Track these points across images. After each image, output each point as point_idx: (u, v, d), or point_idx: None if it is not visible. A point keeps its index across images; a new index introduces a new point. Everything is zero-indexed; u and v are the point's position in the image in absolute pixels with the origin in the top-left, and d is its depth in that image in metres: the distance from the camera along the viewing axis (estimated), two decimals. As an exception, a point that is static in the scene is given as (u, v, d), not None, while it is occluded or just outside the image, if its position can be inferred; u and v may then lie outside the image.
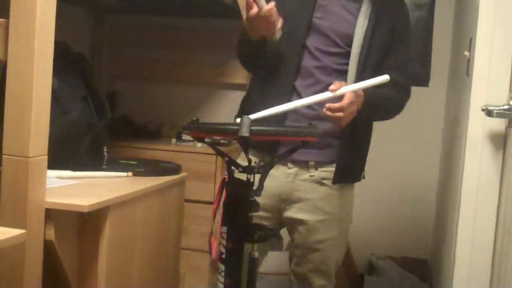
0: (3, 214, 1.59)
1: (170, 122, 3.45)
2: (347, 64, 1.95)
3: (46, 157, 1.64)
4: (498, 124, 2.03)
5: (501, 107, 1.94)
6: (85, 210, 1.69)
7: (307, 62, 1.97)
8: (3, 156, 1.58)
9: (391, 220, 3.61)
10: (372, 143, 3.57)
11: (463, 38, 2.65)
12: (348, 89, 1.82)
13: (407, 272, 3.39)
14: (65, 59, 2.15)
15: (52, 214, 1.67)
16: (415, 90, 3.48)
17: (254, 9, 1.80)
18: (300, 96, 1.93)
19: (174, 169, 2.41)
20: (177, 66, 3.50)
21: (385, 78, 1.84)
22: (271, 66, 1.98)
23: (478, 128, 2.07)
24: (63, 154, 2.01)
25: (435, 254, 3.31)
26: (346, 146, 2.00)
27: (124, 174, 2.21)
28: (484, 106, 1.98)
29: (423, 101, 3.49)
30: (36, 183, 1.60)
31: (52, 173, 1.92)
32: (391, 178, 3.59)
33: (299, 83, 1.97)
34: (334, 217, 2.03)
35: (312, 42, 1.97)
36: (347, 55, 1.96)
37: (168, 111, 3.52)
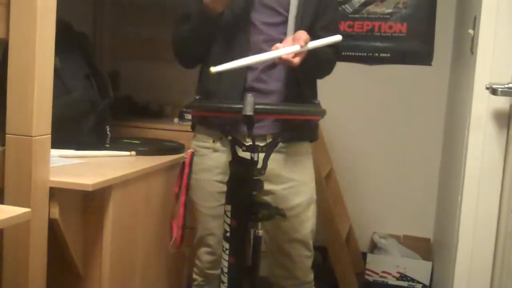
0: (7, 193, 1.59)
1: (173, 102, 3.44)
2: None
3: (49, 136, 1.64)
4: (503, 103, 2.02)
5: (506, 86, 1.93)
6: (90, 189, 1.69)
7: (255, 37, 1.95)
8: (7, 135, 1.58)
9: (394, 199, 3.62)
10: (374, 122, 3.59)
11: (467, 16, 2.63)
12: (308, 47, 1.78)
13: (409, 250, 3.41)
14: (68, 38, 2.14)
15: (56, 193, 1.68)
16: (418, 68, 3.53)
17: None
18: (254, 72, 1.92)
19: (177, 148, 2.41)
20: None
21: (337, 38, 1.83)
22: (222, 48, 1.96)
23: (482, 106, 2.05)
24: (66, 133, 2.02)
25: (438, 233, 3.32)
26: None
27: (127, 153, 2.22)
28: (488, 85, 1.97)
29: (426, 80, 3.49)
30: (39, 162, 1.60)
31: (55, 152, 1.92)
32: (394, 157, 3.60)
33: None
34: (299, 183, 2.02)
35: (256, 16, 1.96)
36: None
37: (170, 90, 3.51)
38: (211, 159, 1.99)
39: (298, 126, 1.98)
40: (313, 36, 1.85)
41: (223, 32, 1.96)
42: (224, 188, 1.90)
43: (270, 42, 1.92)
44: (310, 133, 2.08)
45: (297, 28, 1.91)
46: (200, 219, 2.03)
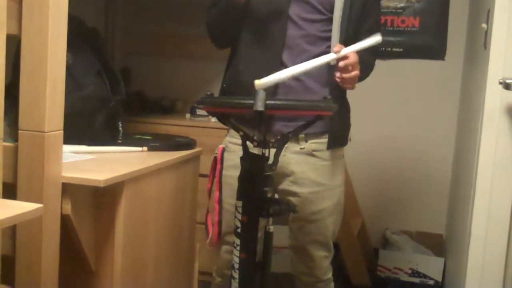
0: (20, 189, 1.60)
1: (184, 97, 3.45)
2: (330, 30, 1.94)
3: (61, 132, 1.65)
4: (516, 98, 2.01)
5: (519, 80, 1.92)
6: (102, 185, 1.69)
7: (292, 32, 1.95)
8: (19, 131, 1.59)
9: (406, 195, 3.61)
10: (387, 117, 3.57)
11: (481, 11, 2.61)
12: (350, 50, 1.79)
13: (422, 246, 3.40)
14: (79, 35, 2.14)
15: (69, 189, 1.69)
16: (431, 63, 3.50)
17: None
18: (286, 67, 1.91)
19: (188, 144, 2.41)
20: (190, 41, 3.48)
21: (378, 39, 1.82)
22: (254, 40, 1.96)
23: (495, 101, 2.04)
24: (78, 129, 2.02)
25: (450, 229, 3.30)
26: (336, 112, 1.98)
27: (139, 149, 2.22)
28: (501, 80, 1.96)
29: (439, 75, 3.47)
30: (52, 158, 1.61)
31: (67, 148, 1.92)
32: (406, 152, 3.58)
33: (286, 55, 1.95)
34: (327, 187, 2.03)
35: (295, 11, 1.95)
36: (329, 21, 1.94)
37: (182, 86, 3.52)
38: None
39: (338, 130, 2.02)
40: (356, 38, 1.87)
41: (256, 22, 1.96)
42: None
43: (307, 38, 1.93)
44: (342, 138, 2.10)
45: (343, 29, 1.92)
46: (225, 216, 2.01)
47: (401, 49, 3.49)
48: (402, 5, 3.46)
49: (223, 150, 1.98)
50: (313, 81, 1.95)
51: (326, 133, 2.01)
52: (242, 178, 1.77)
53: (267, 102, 1.56)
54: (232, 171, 1.97)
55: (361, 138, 3.61)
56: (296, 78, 1.89)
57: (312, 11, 1.95)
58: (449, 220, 3.45)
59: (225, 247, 2.08)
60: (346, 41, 1.88)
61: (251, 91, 1.60)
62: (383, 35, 3.49)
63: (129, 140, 2.28)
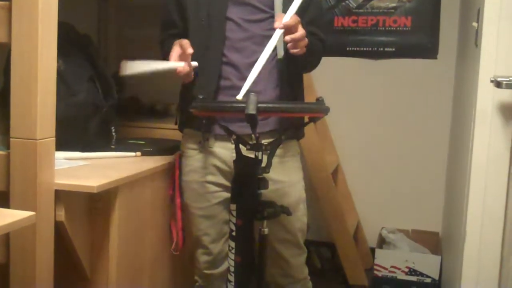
0: (13, 196, 1.60)
1: (178, 101, 3.44)
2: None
3: (53, 138, 1.65)
4: (508, 96, 2.01)
5: (510, 78, 1.92)
6: (95, 191, 1.69)
7: (238, 34, 1.94)
8: (11, 139, 1.59)
9: (402, 193, 3.61)
10: (380, 117, 3.57)
11: (472, 9, 2.62)
12: (289, 14, 1.75)
13: (418, 244, 3.40)
14: (71, 41, 2.14)
15: (62, 195, 1.68)
16: (423, 62, 3.51)
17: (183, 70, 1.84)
18: (240, 71, 1.91)
19: (182, 147, 2.41)
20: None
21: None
22: (199, 45, 1.94)
23: (487, 99, 2.04)
24: (71, 135, 2.02)
25: (446, 227, 3.31)
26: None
27: (133, 154, 2.22)
28: (493, 78, 1.96)
29: (432, 73, 3.47)
30: (44, 165, 1.61)
31: (60, 155, 1.92)
32: (401, 151, 3.59)
33: (236, 59, 1.94)
34: (286, 184, 2.01)
35: (237, 13, 1.94)
36: (273, 18, 1.90)
37: (175, 90, 3.50)
38: (198, 160, 2.00)
39: (293, 124, 1.98)
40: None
41: (199, 31, 1.95)
42: (213, 188, 1.95)
43: (253, 39, 1.93)
44: (297, 131, 2.06)
45: None
46: (193, 221, 2.05)
47: (393, 49, 3.50)
48: (393, 5, 3.47)
49: (180, 156, 1.99)
50: (264, 82, 1.93)
51: (278, 131, 1.95)
52: (235, 181, 1.77)
53: (259, 105, 1.57)
54: (192, 175, 1.99)
55: (355, 138, 3.63)
56: (244, 79, 1.86)
57: (254, 11, 1.94)
58: (445, 218, 3.45)
59: (200, 250, 2.09)
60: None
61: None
62: (375, 35, 3.52)
63: (122, 145, 2.28)
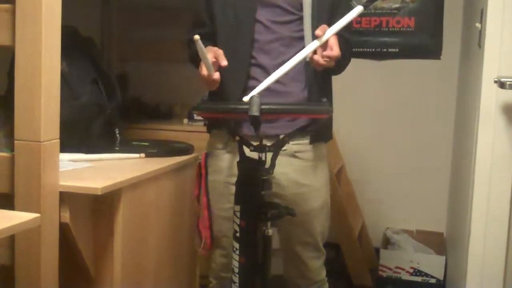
0: (17, 199, 1.60)
1: (181, 102, 3.45)
2: (303, 30, 1.94)
3: (58, 141, 1.65)
4: (511, 96, 2.01)
5: (514, 79, 1.92)
6: (99, 193, 1.70)
7: (266, 36, 1.95)
8: (15, 141, 1.59)
9: (406, 194, 3.61)
10: (385, 118, 3.57)
11: (475, 9, 2.62)
12: (332, 32, 1.76)
13: (423, 245, 3.40)
14: (74, 44, 2.15)
15: (67, 197, 1.69)
16: (427, 63, 3.50)
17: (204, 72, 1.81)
18: (268, 72, 1.89)
19: (186, 149, 2.41)
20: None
21: (359, 8, 1.79)
22: (227, 47, 1.94)
23: (491, 100, 2.05)
24: (75, 137, 2.03)
25: (451, 227, 3.30)
26: None
27: (137, 155, 2.22)
28: (496, 78, 1.96)
29: (435, 74, 3.47)
30: (49, 167, 1.61)
31: (65, 157, 1.93)
32: (405, 151, 3.59)
33: (264, 60, 1.95)
34: (312, 188, 2.01)
35: (265, 15, 1.95)
36: (301, 20, 1.93)
37: (179, 91, 3.52)
38: (223, 160, 1.99)
39: (311, 126, 1.98)
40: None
41: (227, 32, 1.97)
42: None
43: (281, 40, 1.93)
44: (324, 133, 2.07)
45: (314, 26, 1.90)
46: (214, 221, 2.03)
47: (397, 50, 3.50)
48: (397, 5, 3.47)
49: (206, 155, 1.99)
50: (293, 82, 1.95)
51: (308, 133, 1.98)
52: (239, 183, 1.77)
53: (262, 106, 1.57)
54: (217, 175, 1.99)
55: (359, 138, 3.63)
56: (278, 82, 1.88)
57: (282, 13, 1.95)
58: (449, 218, 3.45)
59: (218, 251, 2.08)
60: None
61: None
62: (378, 36, 3.52)
63: (126, 147, 2.29)
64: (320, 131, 2.01)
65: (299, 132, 1.91)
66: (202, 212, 2.04)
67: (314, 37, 1.80)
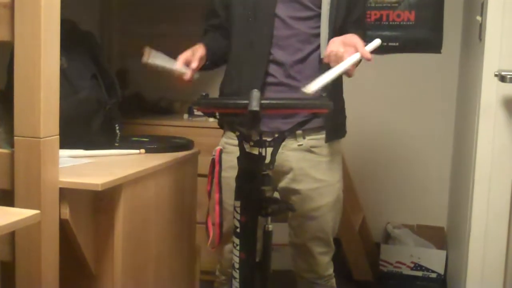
0: (17, 195, 1.60)
1: (182, 98, 3.45)
2: (319, 27, 1.94)
3: (57, 137, 1.64)
4: (512, 89, 2.01)
5: (515, 72, 1.92)
6: (99, 189, 1.69)
7: (283, 32, 1.95)
8: (15, 137, 1.59)
9: (407, 188, 3.61)
10: (385, 112, 3.57)
11: (475, 3, 2.61)
12: (351, 60, 1.79)
13: (423, 239, 3.40)
14: (73, 38, 2.14)
15: (67, 193, 1.68)
16: (428, 56, 3.50)
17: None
18: (285, 68, 1.92)
19: (186, 144, 2.41)
20: (187, 41, 3.46)
21: (377, 42, 1.84)
22: (244, 43, 1.97)
23: (491, 94, 2.04)
24: (75, 133, 2.02)
25: (452, 222, 3.30)
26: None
27: (137, 151, 2.22)
28: (497, 72, 1.96)
29: (436, 68, 3.47)
30: (48, 163, 1.61)
31: (64, 153, 1.92)
32: (405, 146, 3.58)
33: (281, 56, 1.95)
34: (326, 184, 2.03)
35: (284, 11, 1.95)
36: (319, 17, 1.94)
37: (179, 87, 3.51)
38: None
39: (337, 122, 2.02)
40: (342, 31, 1.87)
41: (245, 25, 1.97)
42: None
43: (298, 36, 1.94)
44: (339, 129, 2.09)
45: (331, 23, 1.92)
46: (226, 217, 2.01)
47: (397, 44, 3.49)
48: (397, -1, 3.46)
49: (221, 151, 1.99)
50: (309, 79, 1.95)
51: (324, 128, 2.01)
52: (239, 178, 1.77)
53: (262, 101, 1.56)
54: (230, 172, 1.98)
55: (360, 133, 3.61)
56: (289, 76, 1.90)
57: (301, 9, 1.95)
58: (450, 212, 3.45)
59: (228, 247, 2.08)
60: (334, 35, 1.88)
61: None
62: (379, 29, 3.52)
63: (126, 143, 2.28)
64: (335, 127, 2.04)
65: (313, 128, 1.94)
66: (214, 208, 2.04)
67: (330, 34, 1.86)
